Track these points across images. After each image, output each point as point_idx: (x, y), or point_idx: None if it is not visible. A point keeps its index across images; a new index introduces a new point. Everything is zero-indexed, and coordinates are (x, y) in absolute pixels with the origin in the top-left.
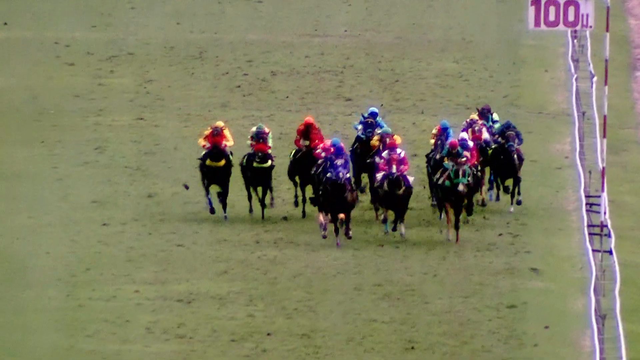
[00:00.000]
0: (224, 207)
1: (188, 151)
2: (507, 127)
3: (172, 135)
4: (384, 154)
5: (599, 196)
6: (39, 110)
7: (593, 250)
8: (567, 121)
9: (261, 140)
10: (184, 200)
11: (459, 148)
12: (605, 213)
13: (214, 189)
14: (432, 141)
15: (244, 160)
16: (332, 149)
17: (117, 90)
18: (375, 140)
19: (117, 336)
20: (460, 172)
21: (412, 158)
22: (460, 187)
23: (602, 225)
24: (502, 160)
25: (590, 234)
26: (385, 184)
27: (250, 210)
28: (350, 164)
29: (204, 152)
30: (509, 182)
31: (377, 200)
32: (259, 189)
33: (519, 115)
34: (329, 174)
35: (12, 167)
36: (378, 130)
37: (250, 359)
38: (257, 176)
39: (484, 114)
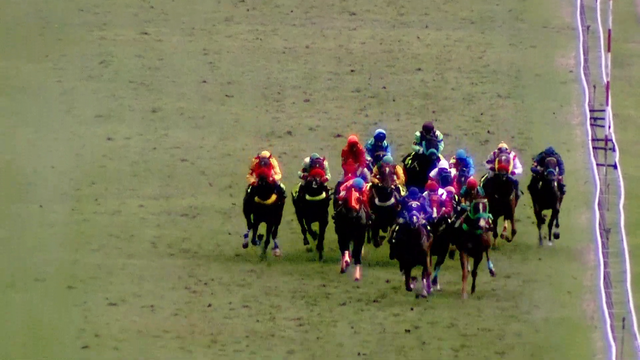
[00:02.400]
0: (274, 237)
1: (192, 66)
2: (549, 153)
3: (176, 50)
4: (425, 194)
5: (604, 110)
6: (43, 24)
7: (597, 165)
8: (572, 35)
9: (317, 166)
10: (189, 115)
11: (479, 187)
12: (609, 127)
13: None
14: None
15: (296, 193)
16: (354, 190)
17: (121, 4)
18: (373, 175)
19: (122, 250)
20: (481, 207)
21: (416, 72)
22: (482, 223)
23: (607, 140)
24: (540, 189)
25: (594, 148)
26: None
27: (306, 242)
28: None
29: (250, 187)
30: (547, 213)
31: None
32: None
33: (524, 30)
34: (401, 219)
35: (17, 81)
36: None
37: (255, 273)
38: (312, 210)
39: (427, 131)
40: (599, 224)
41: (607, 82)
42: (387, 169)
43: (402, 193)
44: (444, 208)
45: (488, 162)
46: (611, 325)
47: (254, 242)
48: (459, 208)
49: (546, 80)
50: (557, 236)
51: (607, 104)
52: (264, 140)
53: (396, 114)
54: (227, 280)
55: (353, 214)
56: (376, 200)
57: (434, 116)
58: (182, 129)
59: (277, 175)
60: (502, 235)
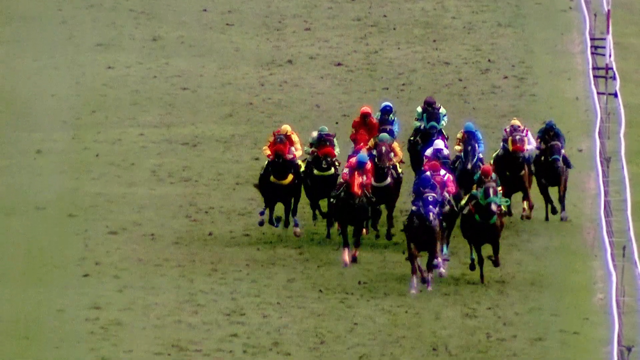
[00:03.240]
0: (294, 215)
1: None
2: (549, 128)
3: None
4: (427, 174)
5: (604, 38)
6: None
7: (598, 93)
8: None
9: (327, 144)
10: (189, 44)
11: (493, 174)
12: (610, 55)
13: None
14: (458, 148)
15: (303, 168)
16: (358, 173)
17: None
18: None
19: (122, 179)
20: (491, 191)
21: (416, 1)
22: (493, 207)
23: (607, 68)
24: (545, 166)
25: (595, 76)
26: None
27: (314, 217)
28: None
29: (265, 164)
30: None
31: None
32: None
33: None
34: (414, 207)
35: (17, 9)
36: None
37: (255, 202)
38: (320, 186)
39: (429, 106)
40: (600, 153)
41: (608, 10)
42: (384, 148)
43: (399, 171)
44: (447, 188)
45: (503, 140)
46: (611, 254)
47: (271, 223)
48: (462, 193)
49: (547, 9)
50: (557, 215)
51: (607, 32)
52: (265, 69)
53: (396, 43)
54: (228, 208)
55: (355, 200)
56: (372, 180)
57: (435, 45)
58: (182, 57)
59: (297, 151)
60: (522, 217)
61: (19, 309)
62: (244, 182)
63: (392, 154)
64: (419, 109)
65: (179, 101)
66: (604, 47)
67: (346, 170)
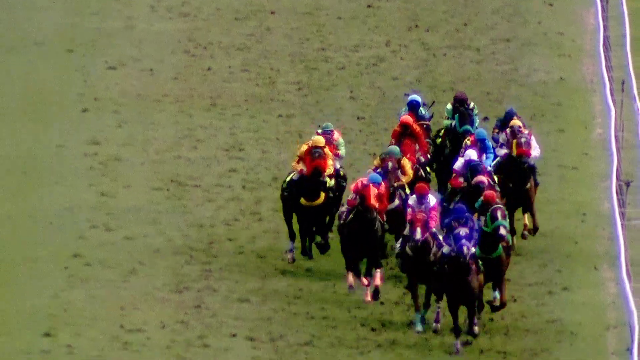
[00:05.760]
0: (324, 238)
1: None
2: (510, 117)
3: None
4: (411, 200)
5: None
6: None
7: None
8: None
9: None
10: None
11: (497, 200)
12: None
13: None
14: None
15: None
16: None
17: None
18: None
19: (121, 14)
20: (499, 214)
21: None
22: (502, 231)
23: None
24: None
25: None
26: (407, 249)
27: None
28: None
29: (292, 178)
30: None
31: (401, 269)
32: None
33: None
34: (445, 248)
35: None
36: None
37: (254, 37)
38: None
39: (460, 103)
40: None
41: None
42: (390, 164)
43: (407, 192)
44: (431, 222)
45: (501, 145)
46: (610, 89)
47: (305, 254)
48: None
49: None
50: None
51: None
52: None
53: None
54: (227, 43)
55: (372, 214)
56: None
57: None
58: None
59: (329, 169)
60: (523, 235)
61: (18, 144)
62: (243, 18)
63: (399, 173)
64: (449, 106)
65: None
66: None
67: (352, 196)
